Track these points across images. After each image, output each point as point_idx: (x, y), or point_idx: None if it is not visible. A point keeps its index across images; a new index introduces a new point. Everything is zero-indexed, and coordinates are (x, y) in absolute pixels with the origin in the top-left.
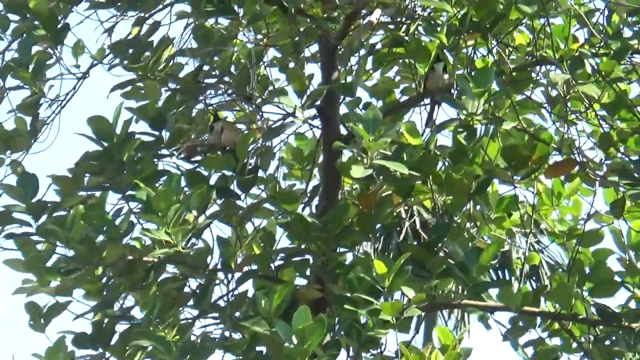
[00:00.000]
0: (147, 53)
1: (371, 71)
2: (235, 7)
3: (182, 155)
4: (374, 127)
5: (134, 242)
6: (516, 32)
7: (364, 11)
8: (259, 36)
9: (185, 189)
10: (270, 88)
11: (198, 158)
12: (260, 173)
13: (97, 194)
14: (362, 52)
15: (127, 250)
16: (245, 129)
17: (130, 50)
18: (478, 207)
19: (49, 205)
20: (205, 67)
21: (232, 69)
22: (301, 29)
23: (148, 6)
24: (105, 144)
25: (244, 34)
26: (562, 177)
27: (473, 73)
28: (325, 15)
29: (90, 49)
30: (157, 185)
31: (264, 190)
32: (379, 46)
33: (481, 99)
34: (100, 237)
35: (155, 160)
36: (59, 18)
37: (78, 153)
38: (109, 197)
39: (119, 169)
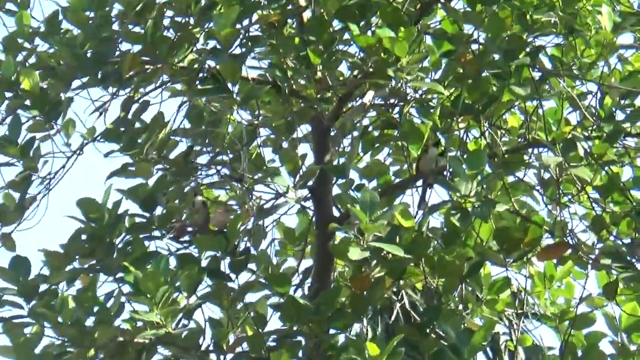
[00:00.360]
0: (141, 137)
1: (362, 153)
2: (230, 86)
3: (171, 236)
4: (372, 209)
5: (125, 324)
6: (508, 114)
7: (356, 93)
8: (252, 116)
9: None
10: (263, 168)
11: (187, 238)
12: (252, 251)
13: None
14: (355, 133)
15: (118, 332)
16: (237, 209)
17: (122, 129)
18: (470, 289)
19: (40, 286)
20: (197, 147)
21: (224, 148)
22: (294, 110)
23: (138, 86)
24: (95, 226)
25: (238, 113)
26: (555, 260)
27: (466, 155)
28: (318, 96)
29: (82, 125)
30: (147, 266)
31: (257, 271)
32: (371, 128)
33: (474, 181)
34: (91, 319)
35: (146, 241)
36: (52, 96)
37: (68, 229)
38: (100, 278)
39: (109, 250)
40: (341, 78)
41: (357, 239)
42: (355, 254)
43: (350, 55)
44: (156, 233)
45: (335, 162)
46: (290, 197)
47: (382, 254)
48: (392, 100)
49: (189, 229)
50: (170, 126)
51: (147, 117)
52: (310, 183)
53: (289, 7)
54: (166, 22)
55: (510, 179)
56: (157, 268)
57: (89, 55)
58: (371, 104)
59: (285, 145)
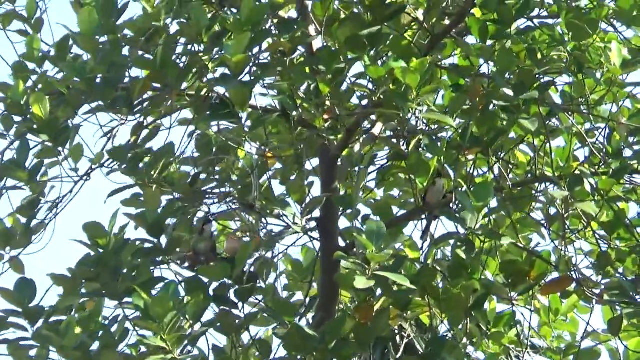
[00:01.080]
0: (146, 159)
1: (375, 189)
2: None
3: (186, 265)
4: (378, 238)
5: (129, 349)
6: (517, 150)
7: (365, 124)
8: (261, 145)
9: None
10: (272, 199)
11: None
12: (260, 283)
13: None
14: (362, 165)
15: (122, 358)
16: (248, 238)
17: (129, 155)
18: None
19: (45, 309)
20: (203, 175)
21: (234, 177)
22: (303, 138)
23: (147, 113)
24: (101, 251)
25: (248, 142)
26: (559, 294)
27: (472, 188)
28: (326, 125)
29: (90, 151)
30: (153, 292)
31: (262, 300)
32: (379, 160)
33: (480, 214)
34: (96, 344)
35: (152, 267)
36: (61, 121)
37: (76, 254)
38: (105, 303)
39: (114, 275)
40: (350, 108)
41: (362, 268)
42: (360, 282)
43: (360, 86)
44: (162, 259)
45: (342, 193)
46: (296, 225)
47: (388, 285)
48: (400, 133)
49: (202, 258)
50: (177, 152)
51: (156, 143)
52: (317, 214)
53: (299, 34)
54: (178, 49)
55: (517, 215)
56: (166, 293)
57: (98, 80)
58: (380, 135)
59: (293, 177)
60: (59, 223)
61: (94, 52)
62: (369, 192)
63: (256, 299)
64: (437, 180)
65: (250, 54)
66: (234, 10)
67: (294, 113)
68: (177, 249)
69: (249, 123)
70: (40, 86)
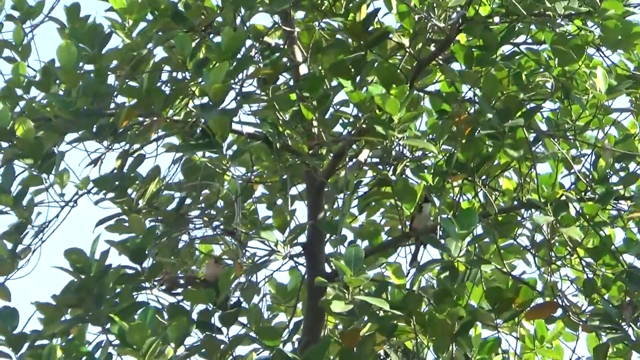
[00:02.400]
0: (133, 187)
1: (357, 214)
2: (220, 141)
3: (163, 287)
4: (356, 263)
5: None
6: (503, 178)
7: (351, 150)
8: (247, 171)
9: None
10: (257, 224)
11: (179, 290)
12: (244, 305)
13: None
14: (348, 191)
15: None
16: (231, 264)
17: (117, 183)
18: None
19: (28, 335)
20: (188, 200)
21: (219, 203)
22: (287, 165)
23: (133, 141)
24: (83, 277)
25: (233, 168)
26: (543, 320)
27: (457, 215)
28: (311, 151)
29: (77, 177)
30: (135, 317)
31: (247, 325)
32: (365, 187)
33: (465, 241)
34: None
35: (135, 293)
36: (47, 147)
37: (62, 279)
38: (91, 329)
39: (97, 301)
40: (335, 135)
41: (342, 292)
42: (337, 306)
43: (345, 113)
44: (145, 284)
45: (328, 219)
46: (279, 252)
47: (373, 311)
48: (387, 159)
49: (181, 281)
50: (163, 178)
51: (142, 170)
52: (303, 240)
53: (284, 60)
54: (164, 76)
55: (503, 240)
56: (143, 319)
57: (83, 110)
58: (366, 162)
59: (279, 202)
60: (46, 249)
61: (75, 85)
62: (354, 218)
63: (240, 322)
64: (424, 206)
65: (232, 81)
66: (218, 39)
67: (278, 141)
68: (163, 272)
69: (234, 148)
70: (27, 112)
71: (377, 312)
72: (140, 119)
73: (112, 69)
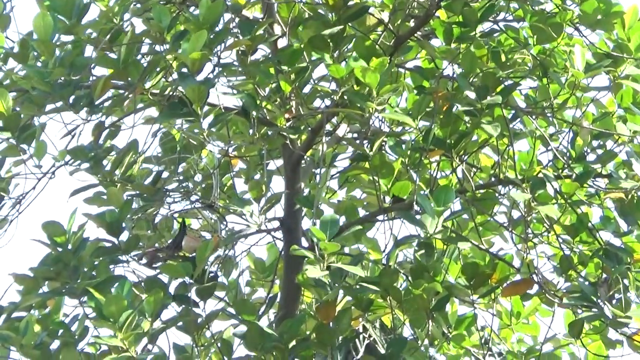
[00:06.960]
0: (109, 159)
1: (337, 190)
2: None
3: (144, 262)
4: (331, 228)
5: (89, 347)
6: (481, 153)
7: (330, 124)
8: (225, 145)
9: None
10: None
11: (160, 264)
12: (222, 279)
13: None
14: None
15: (83, 356)
16: (210, 237)
17: (92, 154)
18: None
19: (5, 307)
20: (165, 174)
21: (197, 177)
22: (265, 137)
23: (110, 113)
24: (60, 249)
25: (212, 143)
26: (520, 297)
27: (434, 191)
28: (289, 124)
29: (55, 148)
30: (112, 291)
31: (224, 298)
32: (343, 161)
33: (441, 218)
34: (56, 343)
35: (112, 266)
36: (25, 118)
37: (39, 252)
38: (68, 301)
39: (73, 274)
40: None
41: (317, 260)
42: (313, 272)
43: (324, 87)
44: (122, 257)
45: (306, 194)
46: (254, 223)
47: (349, 285)
48: (364, 133)
49: (161, 255)
50: (140, 151)
51: (121, 143)
52: (281, 215)
53: (261, 33)
54: (144, 49)
55: (481, 217)
56: (120, 292)
57: (60, 81)
58: (344, 137)
59: (257, 177)
60: (24, 221)
61: (51, 55)
62: (332, 193)
63: (217, 296)
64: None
65: (212, 52)
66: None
67: (254, 113)
68: (138, 246)
69: (209, 120)
70: (7, 82)
71: (354, 286)
72: (120, 91)
73: (90, 40)
